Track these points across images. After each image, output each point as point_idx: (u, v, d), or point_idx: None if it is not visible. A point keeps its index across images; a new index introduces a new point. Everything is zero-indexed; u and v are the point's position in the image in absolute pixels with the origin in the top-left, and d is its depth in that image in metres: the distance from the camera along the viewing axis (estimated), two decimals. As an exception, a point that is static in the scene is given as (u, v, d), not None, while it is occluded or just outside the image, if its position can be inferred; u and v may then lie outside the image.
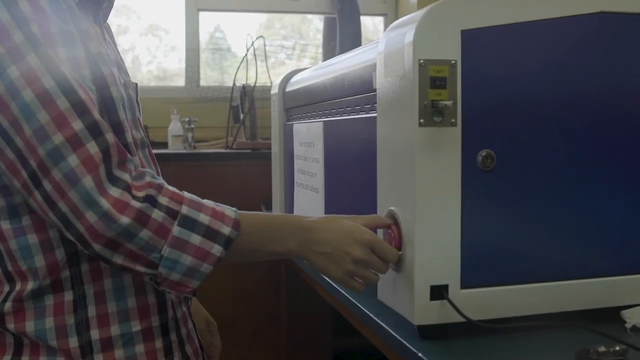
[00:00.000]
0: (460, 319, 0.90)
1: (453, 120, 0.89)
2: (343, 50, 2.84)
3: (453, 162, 0.89)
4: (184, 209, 0.82)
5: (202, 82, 2.90)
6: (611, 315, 0.97)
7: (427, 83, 0.87)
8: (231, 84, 2.61)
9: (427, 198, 0.89)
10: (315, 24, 3.24)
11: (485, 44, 0.90)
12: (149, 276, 0.84)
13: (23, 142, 0.78)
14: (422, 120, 0.88)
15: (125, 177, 0.81)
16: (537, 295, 0.94)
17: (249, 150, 2.45)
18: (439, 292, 0.90)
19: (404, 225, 0.92)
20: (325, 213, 1.37)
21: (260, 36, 2.75)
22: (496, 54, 0.91)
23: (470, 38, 0.89)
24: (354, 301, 1.13)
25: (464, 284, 0.91)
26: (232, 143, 2.48)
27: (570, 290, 0.95)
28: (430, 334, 0.92)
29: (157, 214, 0.80)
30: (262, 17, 3.15)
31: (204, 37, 2.96)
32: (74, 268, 0.86)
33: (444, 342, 0.92)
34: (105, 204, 0.78)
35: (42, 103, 0.77)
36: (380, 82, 0.98)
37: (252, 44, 2.64)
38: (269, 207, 2.09)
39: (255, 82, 2.62)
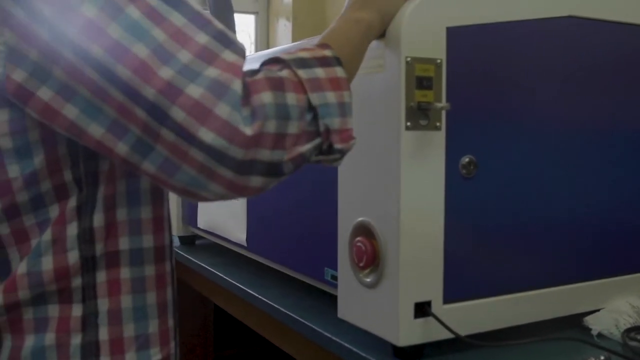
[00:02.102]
0: (439, 337, 0.85)
1: (438, 123, 0.83)
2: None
3: (437, 169, 0.83)
4: (285, 56, 0.69)
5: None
6: (572, 322, 0.96)
7: (413, 83, 0.81)
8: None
9: (411, 208, 0.82)
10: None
11: (469, 43, 0.85)
12: (315, 151, 0.68)
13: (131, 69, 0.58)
14: (408, 124, 0.81)
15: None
16: (519, 306, 0.91)
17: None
18: (422, 309, 0.83)
19: (383, 238, 0.84)
20: (248, 216, 1.27)
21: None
22: (480, 54, 0.86)
23: (456, 36, 0.83)
24: (300, 319, 1.03)
25: (446, 299, 0.85)
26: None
27: (551, 298, 0.93)
28: (408, 354, 0.85)
29: (280, 74, 0.66)
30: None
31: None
32: (87, 275, 0.69)
33: (424, 362, 0.86)
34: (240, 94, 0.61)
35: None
36: (345, 81, 0.90)
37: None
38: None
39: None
